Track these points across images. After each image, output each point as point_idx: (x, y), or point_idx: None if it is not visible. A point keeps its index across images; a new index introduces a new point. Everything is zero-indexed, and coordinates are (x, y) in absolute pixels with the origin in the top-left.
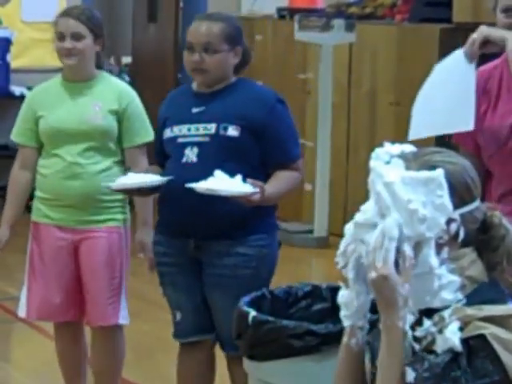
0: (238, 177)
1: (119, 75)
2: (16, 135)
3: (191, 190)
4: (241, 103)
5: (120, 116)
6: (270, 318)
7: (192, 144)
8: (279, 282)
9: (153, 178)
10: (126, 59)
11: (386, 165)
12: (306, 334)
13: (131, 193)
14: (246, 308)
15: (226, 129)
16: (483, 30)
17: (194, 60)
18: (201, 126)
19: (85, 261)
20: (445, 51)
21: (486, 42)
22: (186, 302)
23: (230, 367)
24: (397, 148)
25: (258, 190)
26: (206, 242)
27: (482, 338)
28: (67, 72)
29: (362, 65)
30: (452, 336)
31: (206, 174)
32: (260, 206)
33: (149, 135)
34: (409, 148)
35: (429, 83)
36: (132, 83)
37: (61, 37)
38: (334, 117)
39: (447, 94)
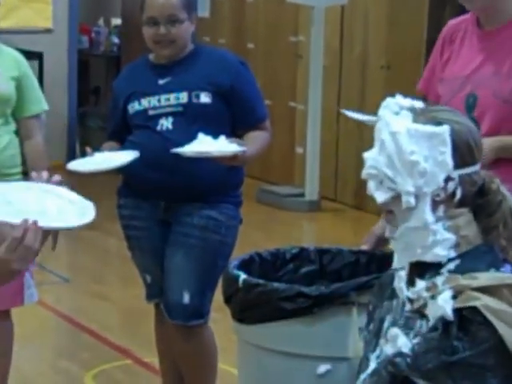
0: (222, 137)
1: (108, 37)
2: None
3: (169, 154)
4: (207, 69)
5: (19, 83)
6: (261, 281)
7: (166, 114)
8: (272, 246)
9: (124, 156)
10: (116, 21)
11: (395, 115)
12: (297, 296)
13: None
14: (235, 271)
15: (198, 96)
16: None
17: (161, 33)
18: (171, 95)
19: None
20: (435, 15)
21: None
22: (153, 265)
23: (176, 339)
24: (408, 101)
25: (245, 148)
26: (178, 203)
27: (474, 308)
28: None
29: (354, 28)
30: (444, 304)
31: (183, 139)
32: (232, 177)
33: (44, 105)
34: (419, 104)
35: None
36: (121, 45)
37: None
38: (325, 80)
39: None
